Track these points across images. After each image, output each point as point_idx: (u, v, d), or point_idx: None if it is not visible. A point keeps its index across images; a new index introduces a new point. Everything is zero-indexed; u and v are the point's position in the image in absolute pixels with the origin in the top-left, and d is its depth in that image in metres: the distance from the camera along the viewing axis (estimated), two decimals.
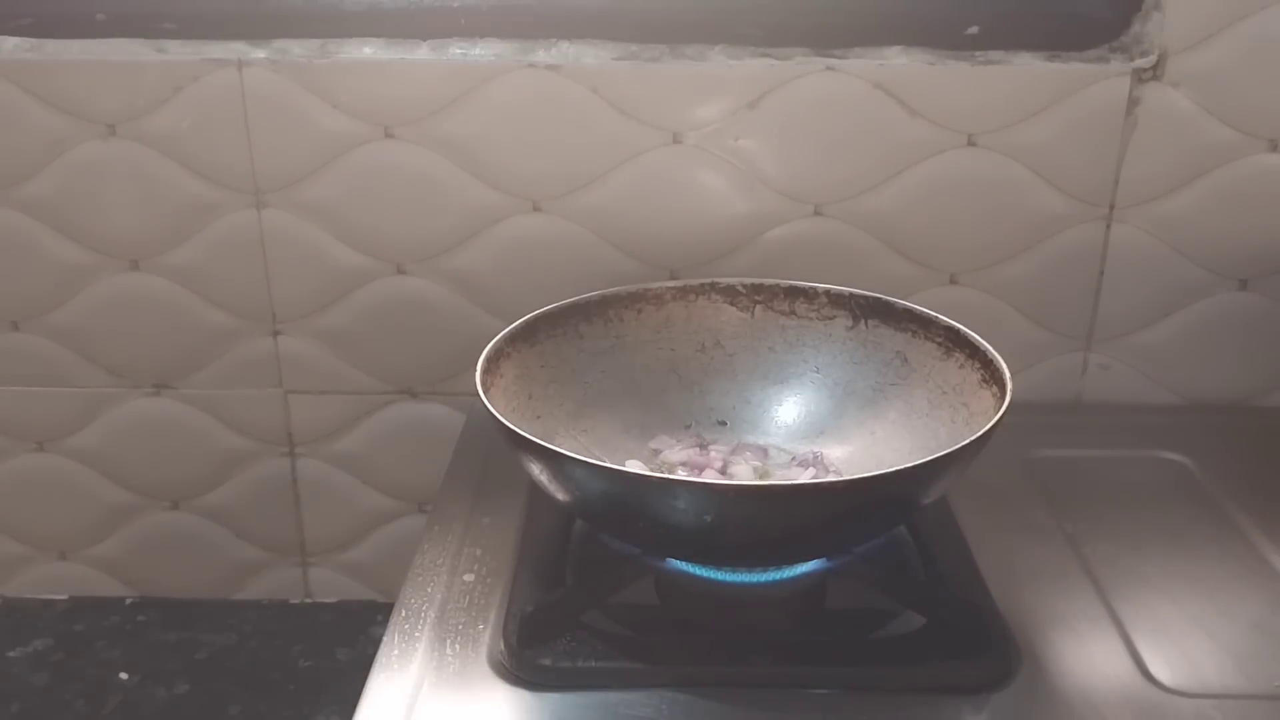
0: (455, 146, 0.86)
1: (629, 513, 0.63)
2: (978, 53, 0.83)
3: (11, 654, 0.94)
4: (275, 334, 0.93)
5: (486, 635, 0.64)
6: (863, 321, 0.78)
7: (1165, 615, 0.67)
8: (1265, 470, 0.82)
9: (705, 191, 0.87)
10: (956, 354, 0.73)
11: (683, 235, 0.88)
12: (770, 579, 0.65)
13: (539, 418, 0.73)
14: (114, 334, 0.93)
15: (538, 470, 0.63)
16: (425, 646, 0.63)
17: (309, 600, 1.01)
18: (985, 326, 0.73)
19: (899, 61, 0.83)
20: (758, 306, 0.80)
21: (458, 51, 0.84)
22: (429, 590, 0.68)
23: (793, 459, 0.76)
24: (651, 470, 0.71)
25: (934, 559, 0.70)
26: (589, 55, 0.83)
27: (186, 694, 0.90)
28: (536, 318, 0.76)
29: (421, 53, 0.84)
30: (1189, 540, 0.74)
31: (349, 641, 0.96)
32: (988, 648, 0.62)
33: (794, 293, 0.79)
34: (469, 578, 0.70)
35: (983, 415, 0.67)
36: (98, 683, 0.91)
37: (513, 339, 0.73)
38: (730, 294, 0.80)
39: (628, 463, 0.72)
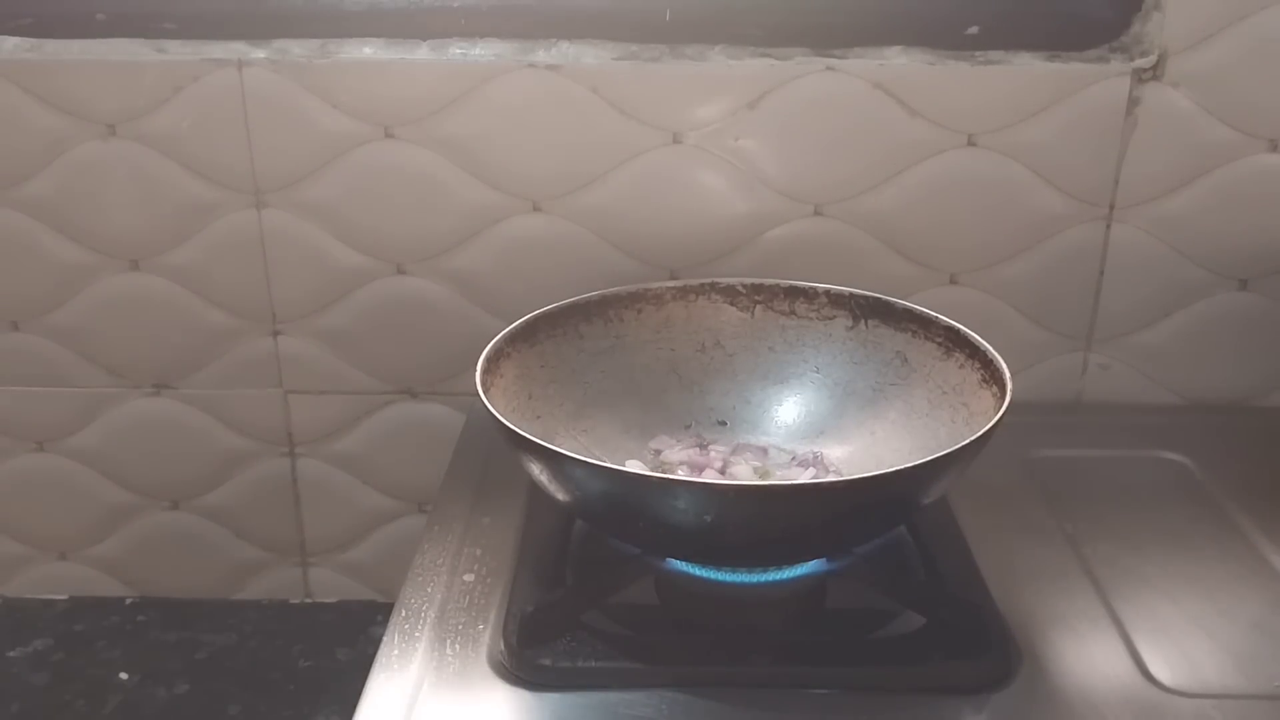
0: (455, 146, 0.86)
1: (629, 513, 0.63)
2: (978, 53, 0.83)
3: (11, 654, 0.94)
4: (275, 334, 0.93)
5: (486, 635, 0.64)
6: (863, 321, 0.78)
7: (1165, 615, 0.67)
8: (1265, 470, 0.82)
9: (705, 191, 0.87)
10: (956, 354, 0.73)
11: (683, 235, 0.88)
12: (770, 579, 0.65)
13: (539, 418, 0.73)
14: (114, 334, 0.93)
15: (538, 470, 0.63)
16: (425, 646, 0.63)
17: (309, 600, 1.01)
18: (985, 326, 0.73)
19: (899, 61, 0.83)
20: (758, 306, 0.80)
21: (458, 51, 0.84)
22: (429, 590, 0.68)
23: (793, 459, 0.76)
24: (651, 470, 0.71)
25: (934, 559, 0.70)
26: (589, 55, 0.83)
27: (186, 694, 0.90)
28: (536, 318, 0.76)
29: (421, 53, 0.84)
30: (1189, 540, 0.74)
31: (349, 641, 0.96)
32: (988, 648, 0.62)
33: (794, 293, 0.79)
34: (469, 578, 0.70)
35: (983, 415, 0.67)
36: (98, 683, 0.91)
37: (513, 339, 0.73)
38: (730, 294, 0.80)
39: (628, 463, 0.72)
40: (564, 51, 0.83)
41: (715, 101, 0.85)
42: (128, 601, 1.00)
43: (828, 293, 0.79)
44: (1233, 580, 0.70)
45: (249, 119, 0.86)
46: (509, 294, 0.89)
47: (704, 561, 0.65)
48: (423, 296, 0.91)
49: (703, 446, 0.76)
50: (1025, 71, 0.83)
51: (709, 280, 0.80)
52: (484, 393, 0.66)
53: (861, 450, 0.75)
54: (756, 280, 0.80)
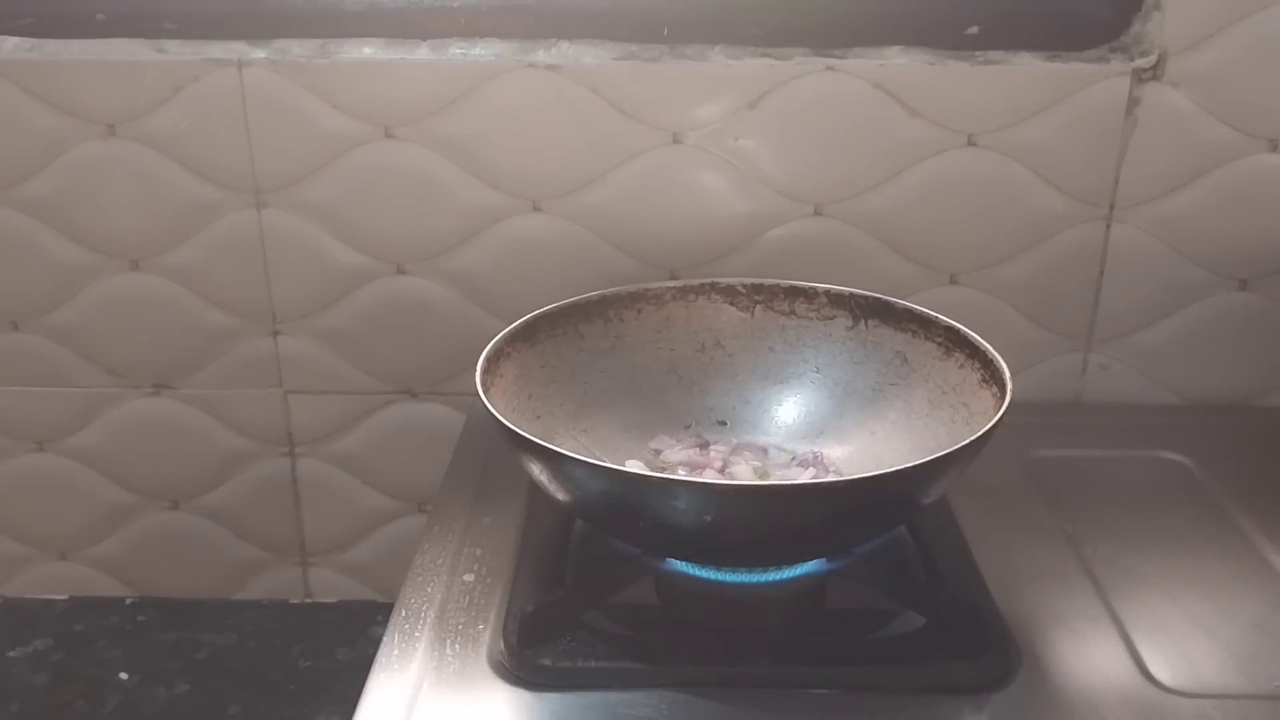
0: (455, 146, 0.86)
1: (629, 513, 0.63)
2: (978, 53, 0.83)
3: (11, 654, 0.94)
4: (275, 334, 0.93)
5: (486, 635, 0.64)
6: (863, 321, 0.78)
7: (1165, 615, 0.67)
8: (1265, 470, 0.82)
9: (705, 191, 0.87)
10: (956, 354, 0.73)
11: (683, 235, 0.88)
12: (770, 579, 0.65)
13: (539, 418, 0.73)
14: (114, 334, 0.93)
15: (538, 470, 0.63)
16: (425, 646, 0.63)
17: (309, 600, 1.01)
18: (985, 326, 0.73)
19: (899, 61, 0.83)
20: (758, 306, 0.80)
21: (458, 51, 0.84)
22: (429, 590, 0.68)
23: (793, 459, 0.76)
24: (651, 470, 0.71)
25: (934, 559, 0.70)
26: (589, 55, 0.83)
27: (186, 694, 0.90)
28: (536, 318, 0.76)
29: (421, 53, 0.84)
30: (1189, 540, 0.74)
31: (349, 641, 0.96)
32: (988, 648, 0.62)
33: (794, 293, 0.79)
34: (469, 578, 0.70)
35: (983, 415, 0.67)
36: (98, 683, 0.91)
37: (513, 339, 0.73)
38: (730, 294, 0.80)
39: (628, 463, 0.72)
40: (564, 51, 0.83)
41: (715, 101, 0.85)
42: (128, 601, 1.00)
43: (828, 293, 0.79)
44: (1233, 580, 0.70)
45: (249, 119, 0.86)
46: (509, 294, 0.89)
47: (704, 561, 0.65)
48: (423, 296, 0.91)
49: (703, 446, 0.76)
50: (1025, 71, 0.83)
51: (709, 280, 0.80)
52: (484, 393, 0.66)
53: (861, 450, 0.75)
54: (756, 280, 0.80)
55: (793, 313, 0.79)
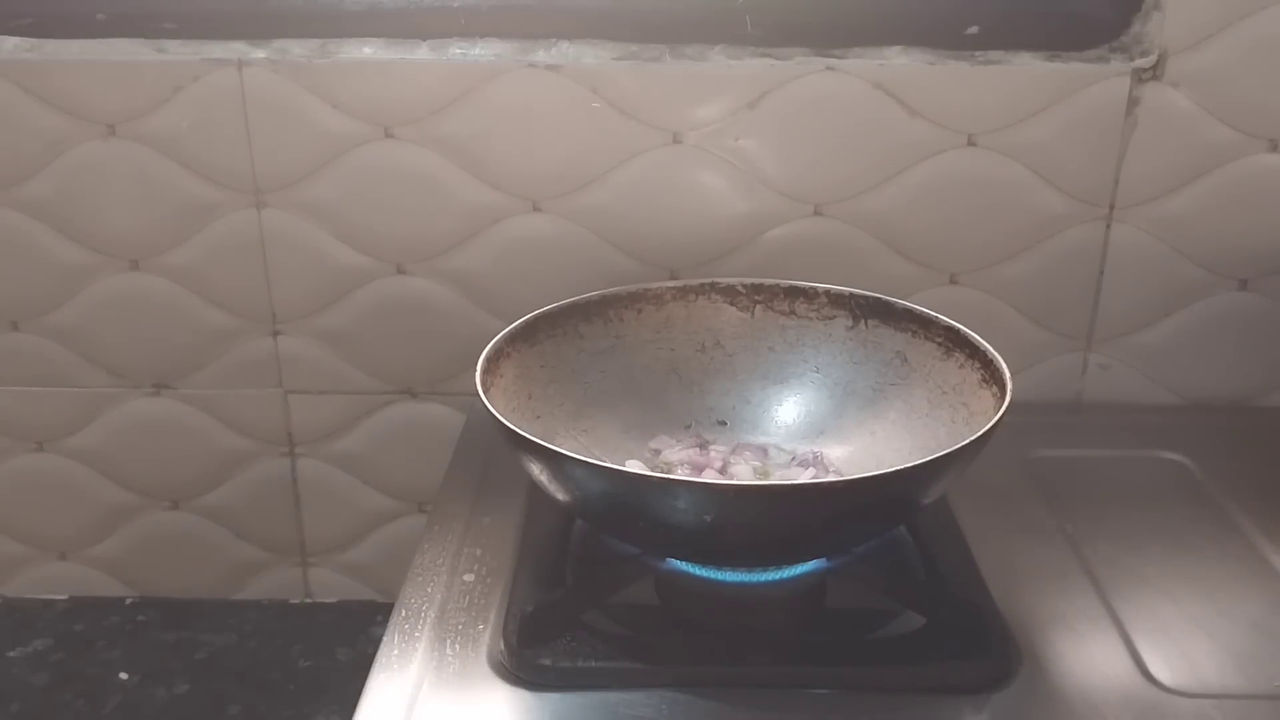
0: (455, 146, 0.86)
1: (629, 513, 0.63)
2: (978, 53, 0.83)
3: (11, 654, 0.94)
4: (275, 334, 0.93)
5: (486, 635, 0.64)
6: (863, 321, 0.78)
7: (1165, 615, 0.67)
8: (1265, 470, 0.82)
9: (705, 191, 0.87)
10: (956, 354, 0.73)
11: (683, 235, 0.88)
12: (770, 579, 0.65)
13: (539, 418, 0.73)
14: (114, 334, 0.93)
15: (538, 470, 0.63)
16: (425, 646, 0.63)
17: (309, 600, 1.01)
18: (985, 326, 0.73)
19: (899, 61, 0.83)
20: (758, 306, 0.80)
21: (458, 51, 0.84)
22: (429, 590, 0.68)
23: (793, 459, 0.76)
24: (651, 470, 0.71)
25: (934, 559, 0.70)
26: (589, 55, 0.83)
27: (186, 694, 0.90)
28: (536, 318, 0.76)
29: (421, 53, 0.84)
30: (1189, 540, 0.74)
31: (349, 641, 0.96)
32: (988, 648, 0.62)
33: (794, 293, 0.79)
34: (469, 578, 0.70)
35: (983, 415, 0.67)
36: (98, 683, 0.91)
37: (513, 339, 0.73)
38: (730, 294, 0.80)
39: (628, 463, 0.72)
40: (564, 51, 0.83)
41: (715, 101, 0.85)
42: (128, 601, 1.00)
43: (828, 293, 0.79)
44: (1233, 580, 0.70)
45: (249, 119, 0.86)
46: (509, 294, 0.89)
47: (704, 561, 0.65)
48: (423, 296, 0.91)
49: (703, 446, 0.76)
50: (1025, 71, 0.83)
51: (709, 280, 0.80)
52: (484, 393, 0.66)
53: (861, 450, 0.75)
54: (756, 280, 0.80)
55: (793, 313, 0.79)
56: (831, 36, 0.83)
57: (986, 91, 0.84)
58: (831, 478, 0.72)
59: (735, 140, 0.86)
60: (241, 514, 0.99)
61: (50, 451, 0.97)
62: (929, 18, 0.83)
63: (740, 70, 0.84)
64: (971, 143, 0.85)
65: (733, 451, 0.76)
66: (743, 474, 0.73)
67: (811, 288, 0.79)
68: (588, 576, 0.69)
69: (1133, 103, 0.83)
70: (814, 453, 0.76)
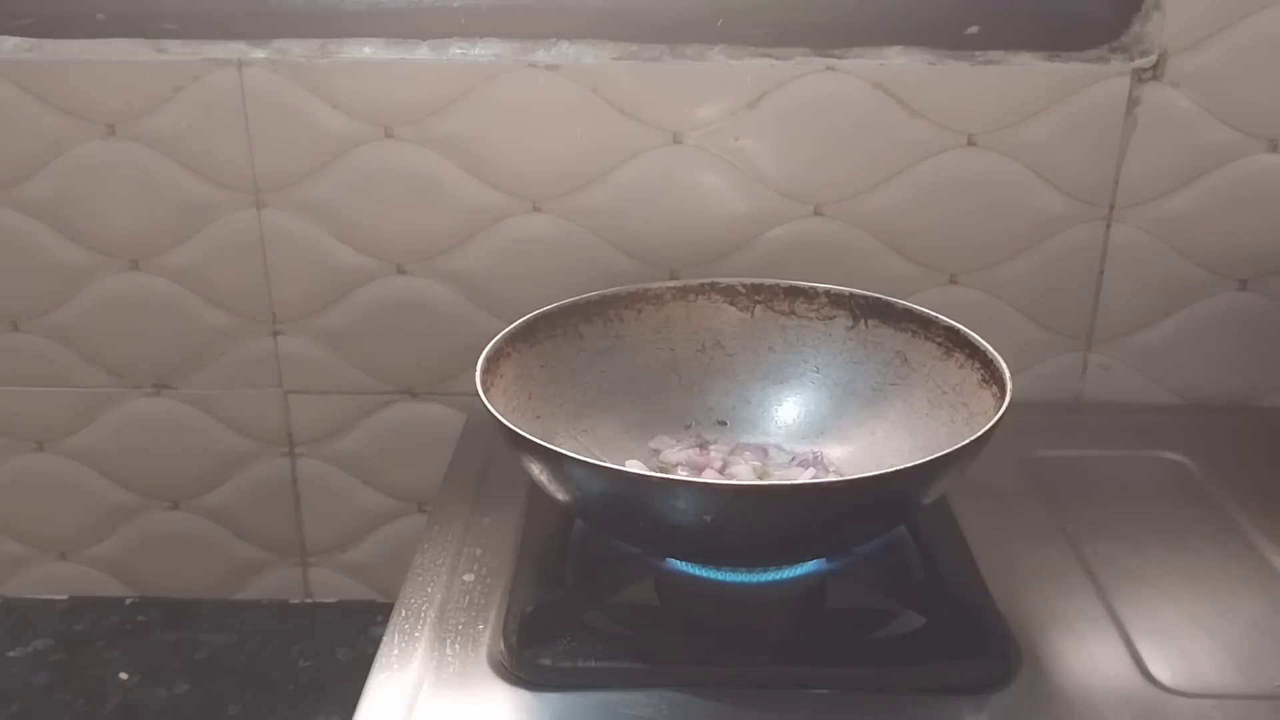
0: (455, 146, 0.86)
1: (629, 513, 0.63)
2: (978, 53, 0.83)
3: (11, 654, 0.94)
4: (275, 334, 0.93)
5: (486, 635, 0.64)
6: (863, 321, 0.78)
7: (1165, 615, 0.67)
8: (1265, 470, 0.82)
9: (705, 191, 0.87)
10: (956, 354, 0.73)
11: (683, 235, 0.88)
12: (770, 579, 0.65)
13: (539, 418, 0.73)
14: (114, 334, 0.93)
15: (538, 470, 0.63)
16: (425, 646, 0.63)
17: (309, 600, 1.01)
18: (985, 326, 0.73)
19: (899, 61, 0.83)
20: (758, 306, 0.80)
21: (458, 51, 0.84)
22: (429, 590, 0.68)
23: (793, 459, 0.76)
24: (651, 470, 0.71)
25: (934, 559, 0.70)
26: (589, 55, 0.83)
27: (186, 694, 0.90)
28: (536, 318, 0.76)
29: (421, 53, 0.84)
30: (1189, 540, 0.74)
31: (349, 641, 0.96)
32: (988, 648, 0.62)
33: (794, 293, 0.79)
34: (469, 578, 0.70)
35: (983, 415, 0.67)
36: (98, 683, 0.91)
37: (513, 339, 0.73)
38: (730, 294, 0.80)
39: (628, 463, 0.72)
40: (564, 51, 0.83)
41: (715, 101, 0.85)
42: (128, 601, 1.00)
43: (828, 293, 0.79)
44: (1233, 580, 0.70)
45: (249, 119, 0.86)
46: (509, 294, 0.89)
47: (704, 561, 0.65)
48: (423, 296, 0.91)
49: (703, 446, 0.76)
50: (1025, 71, 0.83)
51: (709, 280, 0.80)
52: (484, 393, 0.66)
53: (861, 450, 0.75)
54: (756, 280, 0.80)
55: (793, 313, 0.79)
56: (831, 36, 0.83)
57: (986, 91, 0.84)
58: (831, 478, 0.72)
59: (735, 140, 0.86)
60: (241, 514, 0.99)
61: (50, 451, 0.97)
62: (929, 18, 0.83)
63: (740, 70, 0.84)
64: (971, 143, 0.85)
65: (733, 451, 0.76)
66: (743, 474, 0.73)
67: (811, 288, 0.79)
68: (588, 576, 0.69)
69: (1133, 103, 0.83)
70: (814, 453, 0.76)
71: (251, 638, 0.96)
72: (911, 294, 0.86)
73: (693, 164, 0.86)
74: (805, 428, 0.78)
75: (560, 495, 0.64)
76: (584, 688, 0.60)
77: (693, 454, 0.75)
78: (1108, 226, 0.87)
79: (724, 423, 0.79)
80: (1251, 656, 0.63)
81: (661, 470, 0.72)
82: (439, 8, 0.83)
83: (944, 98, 0.84)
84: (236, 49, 0.84)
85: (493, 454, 0.81)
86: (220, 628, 0.97)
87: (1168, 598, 0.68)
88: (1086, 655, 0.63)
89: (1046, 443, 0.84)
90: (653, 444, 0.77)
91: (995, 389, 0.68)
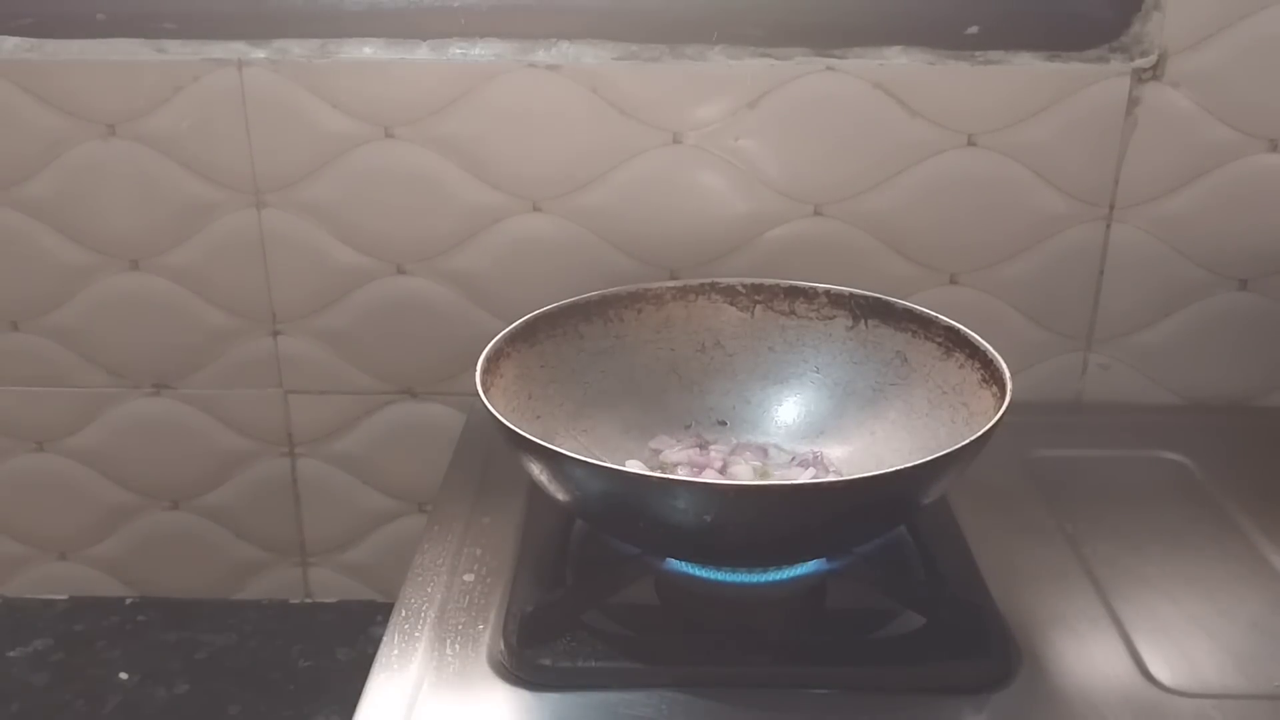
0: (455, 146, 0.86)
1: (629, 513, 0.63)
2: (978, 53, 0.83)
3: (11, 654, 0.94)
4: (275, 334, 0.93)
5: (486, 635, 0.64)
6: (863, 321, 0.78)
7: (1165, 615, 0.67)
8: (1265, 470, 0.82)
9: (705, 191, 0.87)
10: (956, 354, 0.73)
11: (683, 235, 0.88)
12: (770, 579, 0.65)
13: (539, 418, 0.73)
14: (114, 334, 0.93)
15: (538, 470, 0.63)
16: (425, 646, 0.63)
17: (309, 600, 1.01)
18: (985, 326, 0.73)
19: (899, 61, 0.83)
20: (758, 306, 0.80)
21: (458, 51, 0.84)
22: (429, 590, 0.68)
23: (793, 459, 0.76)
24: (651, 470, 0.71)
25: (934, 559, 0.70)
26: (589, 55, 0.83)
27: (186, 694, 0.90)
28: (536, 318, 0.76)
29: (421, 53, 0.84)
30: (1189, 540, 0.74)
31: (349, 641, 0.96)
32: (988, 648, 0.62)
33: (794, 293, 0.79)
34: (469, 578, 0.70)
35: (983, 415, 0.67)
36: (98, 683, 0.91)
37: (513, 339, 0.73)
38: (730, 294, 0.80)
39: (628, 463, 0.72)
40: (564, 51, 0.83)
41: (715, 101, 0.85)
42: (128, 601, 1.00)
43: (828, 293, 0.79)
44: (1233, 580, 0.70)
45: (249, 119, 0.86)
46: (509, 294, 0.89)
47: (704, 561, 0.65)
48: (423, 296, 0.91)
49: (703, 446, 0.76)
50: (1025, 71, 0.83)
51: (709, 280, 0.80)
52: (484, 393, 0.66)
53: (861, 450, 0.75)
54: (756, 280, 0.80)
55: (793, 313, 0.79)
56: (831, 36, 0.83)
57: (986, 91, 0.84)
58: (831, 478, 0.72)
59: (735, 140, 0.86)
60: (241, 514, 0.99)
61: (50, 451, 0.97)
62: (929, 18, 0.83)
63: (740, 70, 0.84)
64: (971, 143, 0.85)
65: (733, 451, 0.76)
66: (743, 474, 0.73)
67: (811, 288, 0.79)
68: (588, 576, 0.69)
69: (1133, 103, 0.83)
70: (814, 453, 0.76)
71: (251, 638, 0.96)
72: (911, 294, 0.86)
73: (693, 164, 0.86)
74: (805, 428, 0.78)
75: (560, 495, 0.64)
76: (584, 688, 0.60)
77: (693, 454, 0.75)
78: (1108, 226, 0.87)
79: (724, 423, 0.79)
80: (1251, 656, 0.63)
81: (661, 470, 0.72)
82: (439, 8, 0.83)
83: (944, 98, 0.84)
84: (236, 49, 0.84)
85: (493, 454, 0.81)
86: (220, 628, 0.97)
87: (1168, 598, 0.68)
88: (1086, 655, 0.63)
89: (1046, 443, 0.84)
90: (653, 444, 0.77)
91: (995, 389, 0.68)
